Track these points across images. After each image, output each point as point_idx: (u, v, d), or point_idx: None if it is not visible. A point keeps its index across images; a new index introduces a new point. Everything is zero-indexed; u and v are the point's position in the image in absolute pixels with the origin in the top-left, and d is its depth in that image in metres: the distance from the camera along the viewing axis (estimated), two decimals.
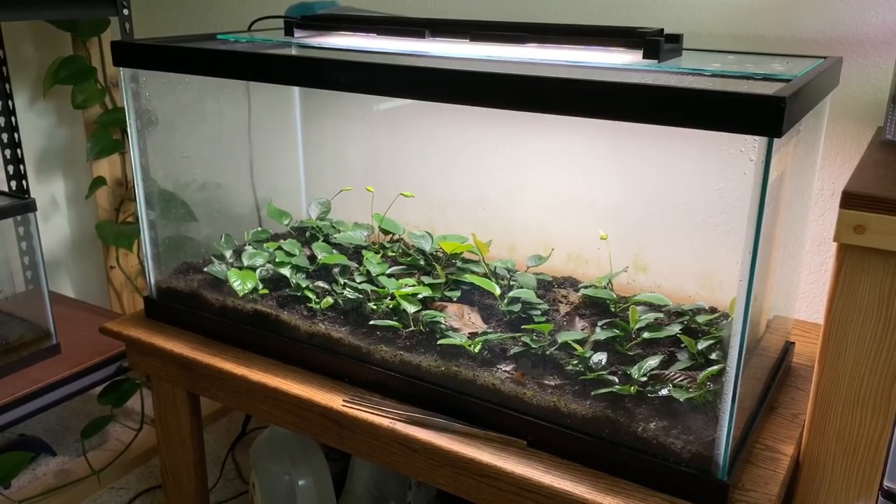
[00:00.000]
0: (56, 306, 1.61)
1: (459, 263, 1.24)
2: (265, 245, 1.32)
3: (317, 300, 1.16)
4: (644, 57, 0.93)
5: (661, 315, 1.08)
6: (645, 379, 0.93)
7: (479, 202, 1.35)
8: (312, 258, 1.27)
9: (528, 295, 1.13)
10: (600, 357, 0.98)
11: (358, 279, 1.19)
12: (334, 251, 1.28)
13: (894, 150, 0.96)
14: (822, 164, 1.20)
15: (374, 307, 1.13)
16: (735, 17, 1.21)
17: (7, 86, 1.76)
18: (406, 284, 1.15)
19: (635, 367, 0.95)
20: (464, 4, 1.44)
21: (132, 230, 1.85)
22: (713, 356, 0.97)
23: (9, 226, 1.70)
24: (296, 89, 1.52)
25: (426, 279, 1.18)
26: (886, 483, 0.86)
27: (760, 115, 0.72)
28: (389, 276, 1.20)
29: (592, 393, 0.93)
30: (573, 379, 0.96)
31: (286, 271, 1.22)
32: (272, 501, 1.35)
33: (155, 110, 1.28)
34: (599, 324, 1.06)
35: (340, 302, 1.15)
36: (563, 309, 1.13)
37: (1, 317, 1.63)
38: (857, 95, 1.16)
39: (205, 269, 1.27)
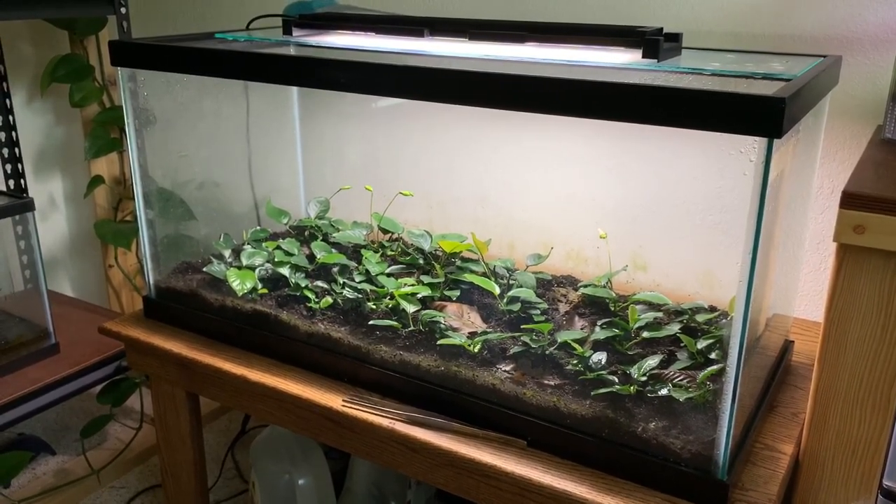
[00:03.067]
0: (55, 305, 1.61)
1: (459, 262, 1.24)
2: (264, 244, 1.32)
3: (316, 300, 1.16)
4: (643, 56, 0.93)
5: (660, 314, 1.08)
6: (644, 378, 0.93)
7: (479, 201, 1.35)
8: (311, 257, 1.27)
9: (528, 294, 1.12)
10: (600, 356, 0.98)
11: (357, 278, 1.19)
12: (333, 250, 1.28)
13: (894, 149, 0.96)
14: (822, 162, 1.20)
15: (374, 307, 1.12)
16: (735, 16, 1.21)
17: (5, 84, 1.75)
18: (405, 284, 1.15)
19: (635, 366, 0.95)
20: (463, 3, 1.44)
21: (131, 229, 1.84)
22: (713, 355, 0.97)
23: (7, 225, 1.69)
24: (294, 88, 1.51)
25: (425, 278, 1.18)
26: (886, 482, 0.86)
27: (760, 116, 0.72)
28: (388, 275, 1.19)
29: (592, 393, 0.93)
30: (573, 378, 0.96)
31: (285, 271, 1.22)
32: (272, 500, 1.35)
33: (153, 109, 1.27)
34: (599, 323, 1.06)
35: (339, 301, 1.15)
36: (563, 308, 1.13)
37: (0, 316, 1.63)
38: (857, 94, 1.15)
39: (204, 269, 1.27)
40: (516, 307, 1.11)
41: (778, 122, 0.71)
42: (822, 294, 1.24)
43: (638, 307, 1.08)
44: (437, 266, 1.22)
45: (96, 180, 1.86)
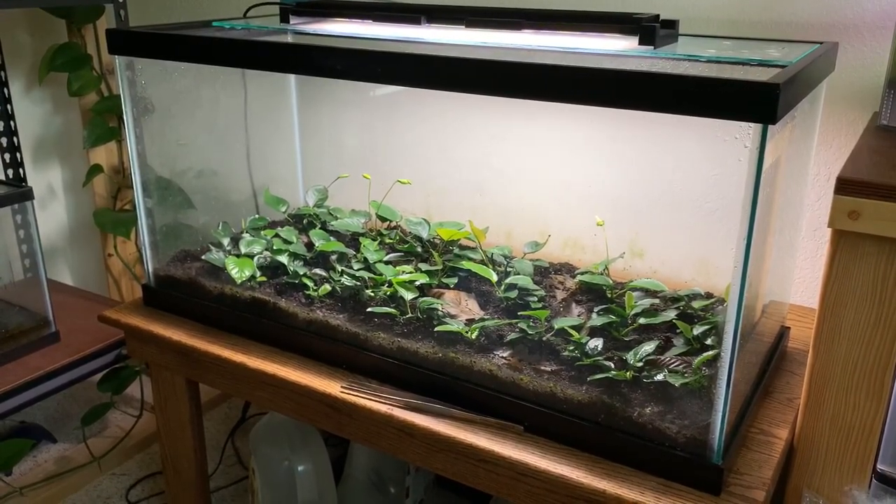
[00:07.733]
0: (55, 294, 1.62)
1: (456, 250, 1.24)
2: (262, 232, 1.32)
3: (314, 287, 1.16)
4: (640, 43, 0.93)
5: (657, 301, 1.09)
6: (641, 364, 0.94)
7: (476, 189, 1.35)
8: (310, 245, 1.27)
9: (525, 281, 1.13)
10: (596, 343, 0.98)
11: (355, 266, 1.20)
12: (332, 238, 1.28)
13: (889, 136, 0.96)
14: (818, 149, 1.20)
15: (372, 294, 1.13)
16: (731, 3, 1.21)
17: (3, 73, 1.75)
18: (403, 271, 1.16)
19: (631, 352, 0.95)
20: None
21: (130, 218, 1.85)
22: (709, 341, 0.97)
23: (6, 214, 1.70)
24: (292, 75, 1.51)
25: (423, 266, 1.19)
26: (879, 466, 0.87)
27: (754, 102, 0.72)
28: (387, 263, 1.20)
29: (588, 378, 0.93)
30: (569, 365, 0.97)
31: (284, 259, 1.22)
32: (272, 487, 1.36)
33: (151, 98, 1.27)
34: (596, 310, 1.06)
35: (338, 289, 1.15)
36: (560, 295, 1.14)
37: (0, 305, 1.63)
38: (853, 80, 1.16)
39: (202, 257, 1.28)
40: (513, 294, 1.11)
41: (772, 108, 0.71)
42: (818, 281, 1.24)
43: (634, 294, 1.09)
44: (435, 254, 1.22)
45: (95, 169, 1.86)
